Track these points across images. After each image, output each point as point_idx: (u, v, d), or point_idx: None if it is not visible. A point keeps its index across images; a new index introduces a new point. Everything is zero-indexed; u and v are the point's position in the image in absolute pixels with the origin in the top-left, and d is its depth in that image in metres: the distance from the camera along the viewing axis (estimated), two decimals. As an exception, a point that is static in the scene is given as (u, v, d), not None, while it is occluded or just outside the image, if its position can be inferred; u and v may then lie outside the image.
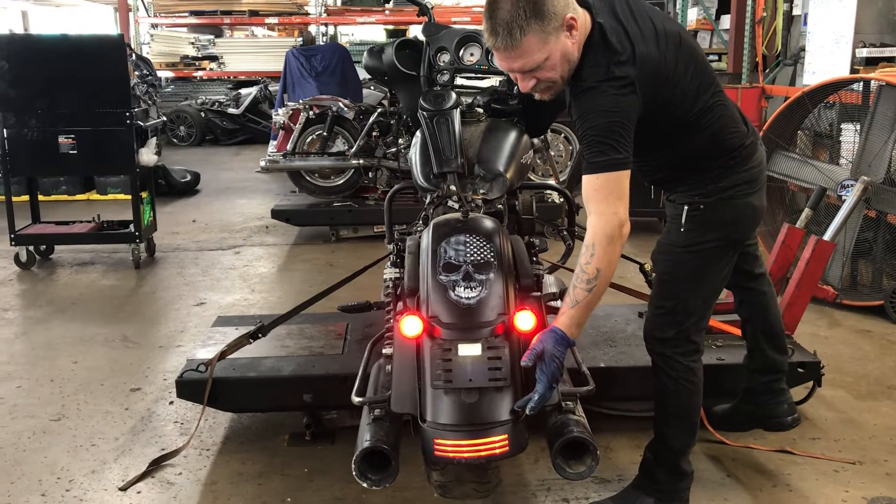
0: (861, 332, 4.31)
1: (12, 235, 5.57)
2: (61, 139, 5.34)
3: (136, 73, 8.77)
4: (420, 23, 3.50)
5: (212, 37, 14.89)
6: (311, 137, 6.79)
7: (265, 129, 11.59)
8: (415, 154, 3.00)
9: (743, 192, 2.41)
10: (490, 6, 2.09)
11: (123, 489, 2.82)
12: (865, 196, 4.24)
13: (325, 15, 14.62)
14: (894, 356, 3.98)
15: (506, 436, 1.90)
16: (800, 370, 3.16)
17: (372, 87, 9.81)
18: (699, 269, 2.44)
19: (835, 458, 2.97)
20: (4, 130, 5.33)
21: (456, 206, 2.44)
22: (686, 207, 2.41)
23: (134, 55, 9.30)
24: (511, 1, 2.05)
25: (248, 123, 12.66)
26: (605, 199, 2.10)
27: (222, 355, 3.03)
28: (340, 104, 6.74)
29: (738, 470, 2.90)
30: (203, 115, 12.74)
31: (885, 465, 2.95)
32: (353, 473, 1.92)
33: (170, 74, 13.99)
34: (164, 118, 7.17)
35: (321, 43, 13.97)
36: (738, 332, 3.25)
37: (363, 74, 8.11)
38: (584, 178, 2.15)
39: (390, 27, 15.79)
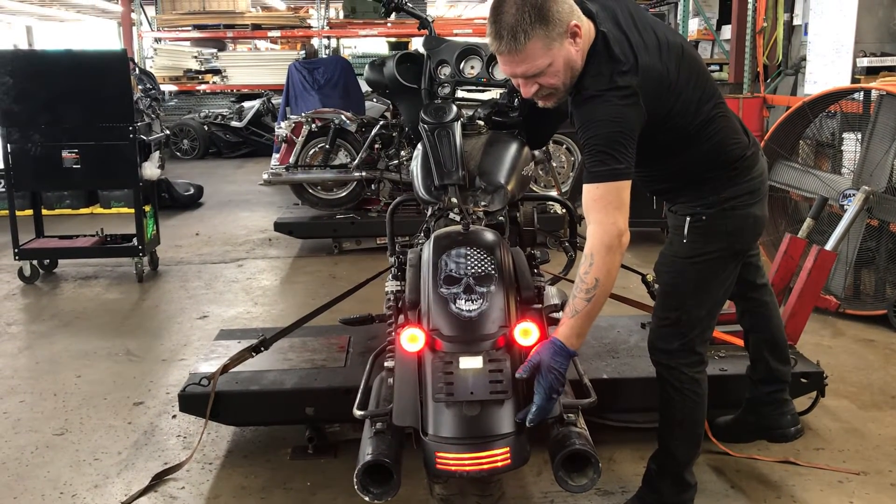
0: (864, 342, 4.30)
1: (16, 250, 5.59)
2: (65, 153, 5.36)
3: (140, 87, 8.79)
4: (422, 35, 3.51)
5: (215, 50, 14.95)
6: (313, 150, 6.81)
7: (268, 142, 11.61)
8: (416, 166, 3.01)
9: (745, 202, 2.41)
10: (494, 11, 2.10)
11: (126, 504, 2.82)
12: (867, 205, 4.24)
13: (327, 28, 14.67)
14: (898, 366, 3.97)
15: (508, 448, 1.89)
16: (803, 380, 3.16)
17: (374, 100, 9.84)
18: (703, 280, 2.44)
19: (839, 469, 2.96)
20: (9, 145, 5.36)
21: (457, 218, 2.44)
22: (688, 219, 2.41)
23: (137, 69, 9.31)
24: (516, 6, 2.05)
25: (251, 136, 12.70)
26: (604, 210, 2.10)
27: (225, 369, 3.03)
28: (343, 117, 6.76)
29: (741, 481, 2.89)
30: (206, 128, 12.78)
31: (890, 475, 2.93)
32: (355, 487, 1.92)
33: (173, 88, 14.04)
34: (168, 132, 7.17)
35: (323, 56, 14.01)
36: (741, 342, 3.25)
37: (365, 87, 8.15)
38: (585, 187, 2.16)
39: (393, 40, 15.83)
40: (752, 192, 2.43)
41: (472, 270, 2.08)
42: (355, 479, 1.91)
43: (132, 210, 5.77)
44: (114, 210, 8.13)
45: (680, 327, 2.46)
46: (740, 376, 3.09)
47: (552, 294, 2.76)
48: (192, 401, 3.03)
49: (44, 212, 6.26)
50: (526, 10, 2.04)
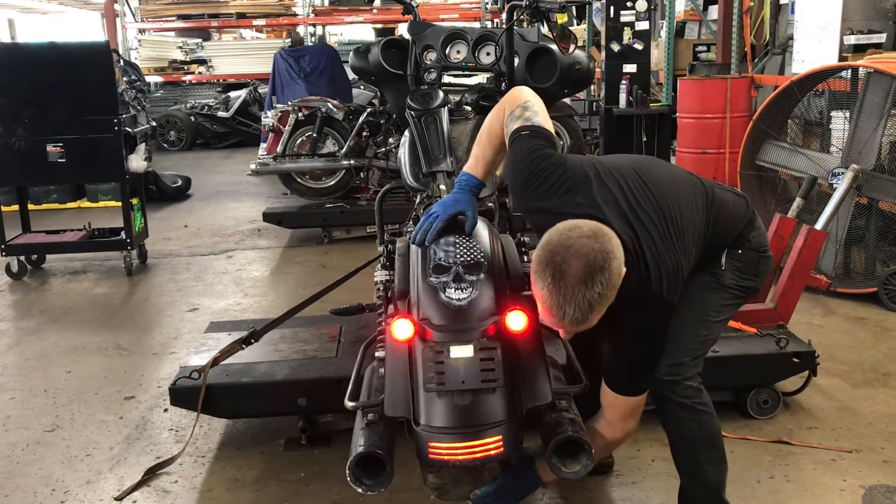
0: (855, 320, 4.31)
1: (3, 246, 5.54)
2: (49, 147, 5.31)
3: (125, 78, 8.73)
4: (407, 21, 3.49)
5: (200, 40, 14.83)
6: (300, 139, 6.77)
7: (255, 132, 11.55)
8: (404, 154, 2.99)
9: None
10: (555, 279, 1.85)
11: (119, 499, 2.80)
12: (856, 183, 4.23)
13: (312, 15, 14.57)
14: (889, 343, 3.98)
15: (500, 437, 1.88)
16: (795, 360, 3.16)
17: (362, 87, 9.79)
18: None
19: (832, 447, 2.97)
20: (-8, 140, 5.31)
21: (445, 205, 2.42)
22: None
23: (122, 61, 9.24)
24: (583, 280, 1.84)
25: (239, 126, 12.62)
26: (620, 416, 2.23)
27: (215, 361, 3.01)
28: (329, 105, 6.72)
29: (735, 462, 2.87)
30: (193, 119, 12.70)
31: (882, 452, 2.94)
32: (348, 479, 1.91)
33: (158, 79, 13.93)
34: (154, 123, 7.12)
35: (309, 44, 13.93)
36: (740, 326, 3.25)
37: (352, 74, 8.10)
38: (609, 387, 2.18)
39: (379, 26, 15.75)
40: None
41: (461, 259, 2.06)
42: (348, 472, 1.90)
43: (119, 203, 5.72)
44: (101, 203, 8.06)
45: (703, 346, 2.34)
46: (734, 357, 3.10)
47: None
48: (184, 394, 3.01)
49: (30, 206, 6.22)
50: (592, 286, 1.84)
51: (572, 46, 3.15)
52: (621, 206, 2.07)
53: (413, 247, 2.21)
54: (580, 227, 1.90)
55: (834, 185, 4.33)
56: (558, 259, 1.85)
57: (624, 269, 1.91)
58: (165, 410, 3.45)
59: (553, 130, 2.22)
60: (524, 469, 2.16)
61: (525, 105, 2.24)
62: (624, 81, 7.35)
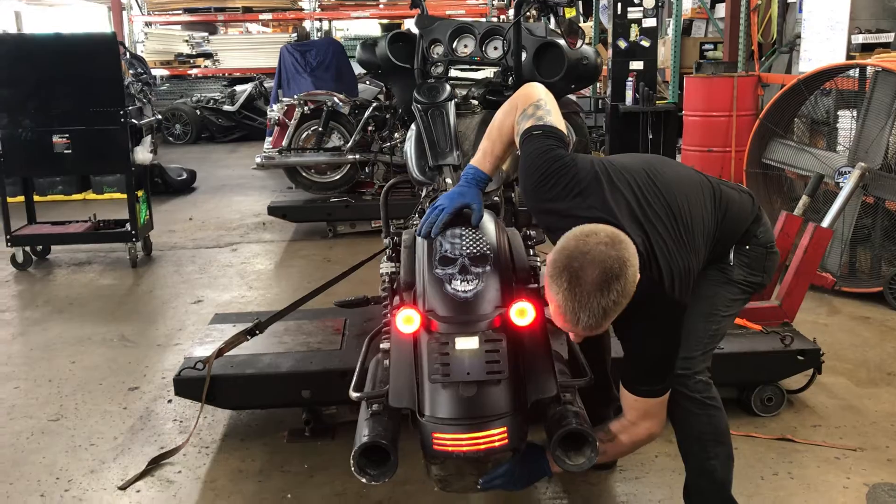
0: (860, 319, 4.30)
1: (8, 236, 5.56)
2: (56, 139, 5.32)
3: (131, 71, 8.74)
4: (414, 16, 3.48)
5: (206, 34, 14.86)
6: (306, 133, 6.78)
7: (261, 126, 11.57)
8: (410, 147, 2.99)
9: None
10: (571, 284, 1.85)
11: (123, 488, 2.81)
12: (863, 182, 4.22)
13: (319, 10, 14.60)
14: (894, 342, 3.97)
15: (505, 428, 1.88)
16: (800, 358, 3.15)
17: (367, 82, 9.80)
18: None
19: (836, 445, 2.97)
20: (-1, 131, 5.32)
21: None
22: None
23: (128, 53, 9.28)
24: (598, 287, 1.84)
25: (244, 120, 12.64)
26: (642, 417, 2.19)
27: (220, 353, 3.02)
28: (335, 99, 6.72)
29: (738, 459, 2.85)
30: (198, 112, 12.71)
31: (887, 451, 2.94)
32: (352, 469, 1.91)
33: (164, 72, 13.95)
34: (159, 116, 7.12)
35: (315, 38, 13.93)
36: (745, 323, 3.25)
37: (358, 69, 8.10)
38: (628, 391, 2.16)
39: (385, 21, 15.76)
40: None
41: (467, 251, 2.06)
42: (352, 461, 1.90)
43: (125, 195, 5.73)
44: (106, 195, 8.08)
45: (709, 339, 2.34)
46: (739, 354, 3.10)
47: (548, 274, 2.75)
48: (188, 385, 3.01)
49: (36, 198, 6.23)
50: (608, 294, 1.84)
51: (580, 41, 3.15)
52: (632, 208, 2.07)
53: (419, 239, 2.21)
54: (597, 234, 1.90)
55: (840, 184, 4.32)
56: (575, 265, 1.85)
57: (638, 276, 1.91)
58: (169, 401, 3.46)
59: (565, 130, 2.21)
60: (534, 456, 2.15)
61: (538, 104, 2.22)
62: (630, 79, 7.35)
